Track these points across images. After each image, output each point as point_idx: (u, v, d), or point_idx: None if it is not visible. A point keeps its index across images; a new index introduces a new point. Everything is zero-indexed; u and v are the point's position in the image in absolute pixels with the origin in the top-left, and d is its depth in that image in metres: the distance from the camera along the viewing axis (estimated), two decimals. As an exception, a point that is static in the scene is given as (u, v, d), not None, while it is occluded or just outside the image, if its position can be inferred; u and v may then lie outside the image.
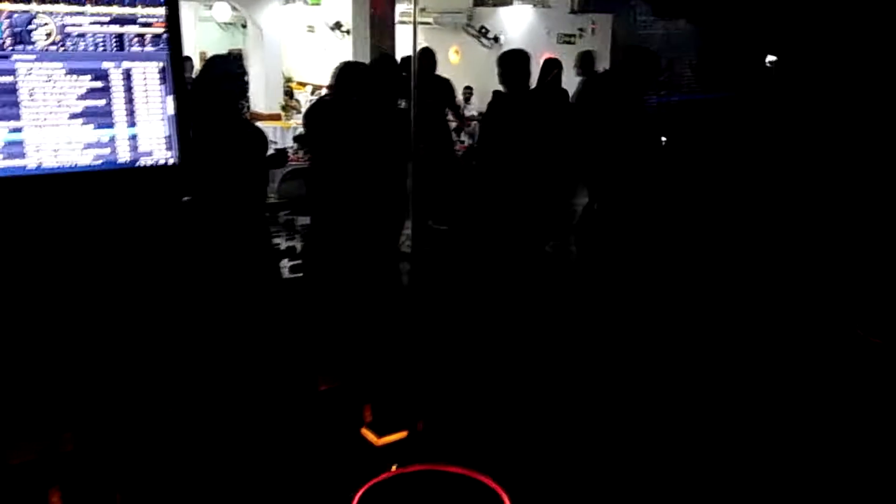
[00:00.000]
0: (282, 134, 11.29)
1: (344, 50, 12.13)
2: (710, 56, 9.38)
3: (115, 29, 3.71)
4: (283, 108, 12.22)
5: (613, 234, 5.60)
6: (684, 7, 10.75)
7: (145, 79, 3.82)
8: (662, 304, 5.21)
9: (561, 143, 5.71)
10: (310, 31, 13.35)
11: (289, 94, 12.68)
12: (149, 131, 3.84)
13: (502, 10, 12.96)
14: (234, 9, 12.45)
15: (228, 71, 4.72)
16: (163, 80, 3.86)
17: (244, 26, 12.98)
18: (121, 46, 3.74)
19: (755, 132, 7.03)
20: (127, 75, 3.76)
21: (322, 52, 12.55)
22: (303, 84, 12.94)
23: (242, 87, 4.96)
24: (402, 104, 5.36)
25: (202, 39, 13.10)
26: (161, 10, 3.81)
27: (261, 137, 4.75)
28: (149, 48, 3.81)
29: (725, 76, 8.57)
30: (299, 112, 11.32)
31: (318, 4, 12.98)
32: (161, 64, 3.85)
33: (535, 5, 12.57)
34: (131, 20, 3.75)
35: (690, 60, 9.52)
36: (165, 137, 3.88)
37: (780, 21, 8.52)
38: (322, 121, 5.03)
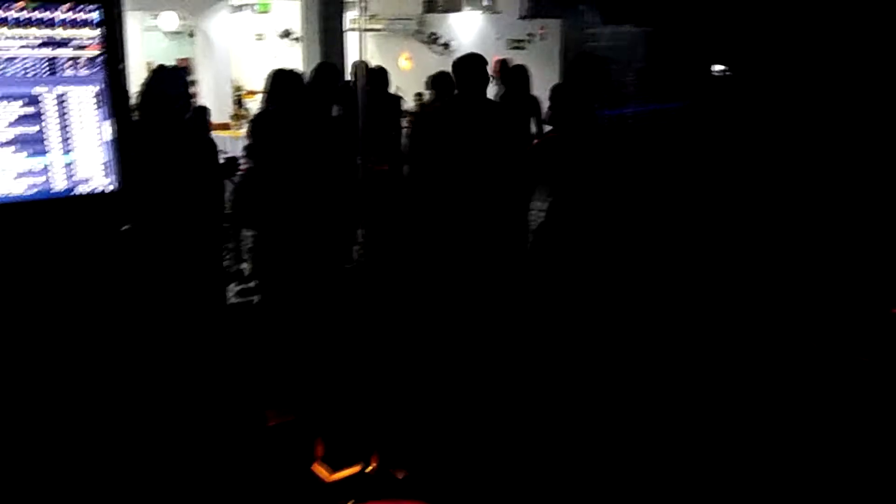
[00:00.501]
0: (232, 143, 11.06)
1: (294, 57, 11.96)
2: (661, 63, 9.38)
3: (47, 52, 3.53)
4: (233, 117, 11.99)
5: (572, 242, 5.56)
6: (633, 12, 10.77)
7: (81, 103, 3.64)
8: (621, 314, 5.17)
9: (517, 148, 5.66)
10: (259, 39, 13.13)
11: (238, 102, 12.46)
12: (86, 158, 3.66)
13: (452, 17, 12.87)
14: (181, 18, 12.17)
15: (172, 82, 4.59)
16: (100, 104, 3.68)
17: (192, 35, 12.69)
18: (53, 70, 3.56)
19: (707, 143, 7.02)
20: (61, 100, 3.58)
21: (272, 60, 12.33)
22: (253, 92, 12.70)
23: (188, 98, 4.83)
24: (336, 111, 5.29)
25: (149, 49, 12.77)
26: (96, 32, 3.63)
27: (210, 147, 4.64)
28: (84, 71, 3.63)
29: (676, 84, 8.56)
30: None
31: (266, 12, 12.77)
32: (98, 88, 3.67)
33: (484, 11, 12.50)
34: (64, 43, 3.56)
35: (639, 67, 9.50)
36: (103, 164, 3.71)
37: (733, 26, 8.54)
38: (263, 130, 4.94)
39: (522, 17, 12.10)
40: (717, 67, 8.99)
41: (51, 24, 3.51)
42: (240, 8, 12.65)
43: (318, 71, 5.62)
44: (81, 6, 3.57)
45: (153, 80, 4.58)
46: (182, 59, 13.06)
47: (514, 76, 7.64)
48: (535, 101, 7.55)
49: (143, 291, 3.85)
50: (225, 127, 11.68)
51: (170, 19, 12.23)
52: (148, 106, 4.48)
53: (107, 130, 3.70)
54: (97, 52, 3.64)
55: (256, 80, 12.94)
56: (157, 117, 4.39)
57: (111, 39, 3.65)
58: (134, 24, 12.36)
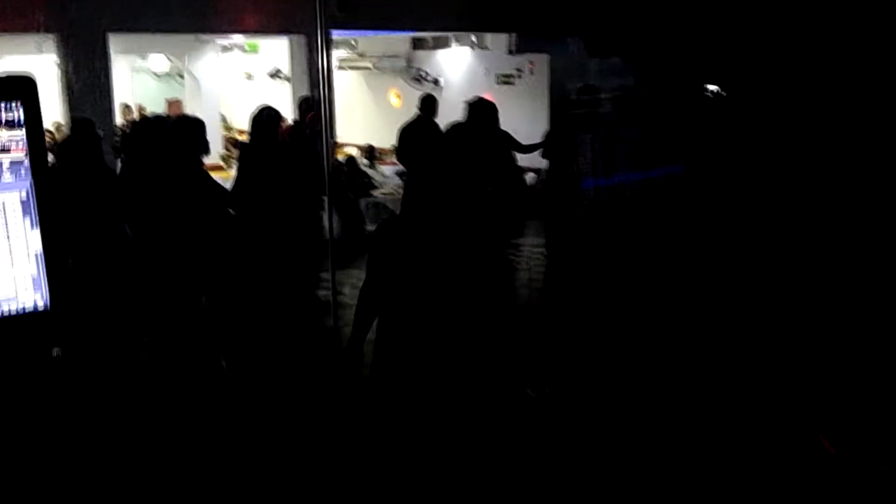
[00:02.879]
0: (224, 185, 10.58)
1: (284, 96, 11.46)
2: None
3: (-37, 158, 3.00)
4: (224, 158, 11.50)
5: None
6: (618, 46, 10.27)
7: (3, 212, 3.10)
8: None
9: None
10: (248, 78, 12.66)
11: (233, 142, 11.95)
12: (10, 273, 3.12)
13: (440, 53, 12.36)
14: (169, 59, 11.69)
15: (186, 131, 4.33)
16: (26, 212, 3.14)
17: (181, 76, 12.20)
18: (-29, 177, 3.02)
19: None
20: (-20, 210, 3.05)
21: (261, 99, 11.84)
22: (243, 132, 12.23)
23: (203, 143, 4.48)
24: None
25: (138, 91, 12.29)
26: (20, 133, 3.10)
27: (219, 192, 4.34)
28: (7, 177, 3.10)
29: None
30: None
31: (255, 52, 12.29)
32: (23, 193, 3.13)
33: (472, 47, 12.01)
34: (-17, 146, 3.03)
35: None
36: (31, 278, 3.17)
37: (730, 57, 7.96)
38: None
39: (510, 53, 11.63)
40: (711, 87, 8.48)
41: (-34, 126, 2.98)
42: (229, 48, 12.17)
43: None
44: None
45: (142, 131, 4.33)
46: (172, 100, 12.60)
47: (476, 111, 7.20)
48: (505, 136, 7.14)
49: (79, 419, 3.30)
50: (217, 168, 11.19)
51: (159, 61, 11.76)
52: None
53: (36, 241, 3.16)
54: (22, 155, 3.10)
55: (247, 120, 12.52)
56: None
57: (37, 139, 3.11)
58: (123, 66, 11.88)
